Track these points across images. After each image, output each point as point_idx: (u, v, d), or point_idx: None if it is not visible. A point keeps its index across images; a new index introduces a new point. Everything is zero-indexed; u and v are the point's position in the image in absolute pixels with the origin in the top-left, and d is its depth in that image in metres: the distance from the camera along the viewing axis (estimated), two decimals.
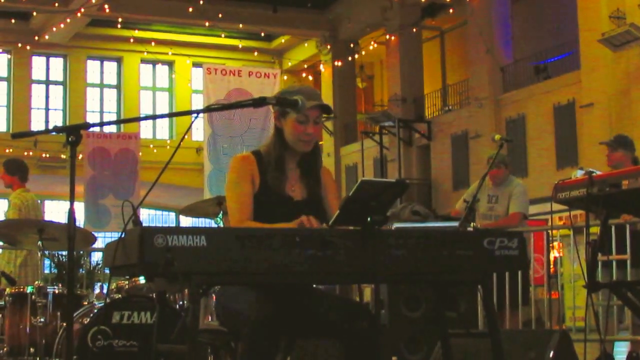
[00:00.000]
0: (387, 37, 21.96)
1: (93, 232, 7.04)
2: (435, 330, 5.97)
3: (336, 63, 23.51)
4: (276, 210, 3.70)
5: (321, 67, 24.51)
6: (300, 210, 3.71)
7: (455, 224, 7.38)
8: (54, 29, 22.57)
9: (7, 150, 23.23)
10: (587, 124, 16.10)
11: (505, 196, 7.83)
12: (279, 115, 3.78)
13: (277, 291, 3.57)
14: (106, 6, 20.67)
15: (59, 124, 21.87)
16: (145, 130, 25.30)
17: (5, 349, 6.19)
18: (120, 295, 6.20)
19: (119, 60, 26.49)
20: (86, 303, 6.56)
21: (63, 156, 22.92)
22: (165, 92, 27.25)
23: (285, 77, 22.49)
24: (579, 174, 4.27)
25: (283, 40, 26.14)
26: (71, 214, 3.24)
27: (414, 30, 21.73)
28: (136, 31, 23.87)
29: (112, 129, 21.49)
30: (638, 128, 14.65)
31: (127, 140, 17.13)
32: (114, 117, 26.08)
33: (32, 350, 6.10)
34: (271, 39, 26.25)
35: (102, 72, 26.66)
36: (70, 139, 3.22)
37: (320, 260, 3.18)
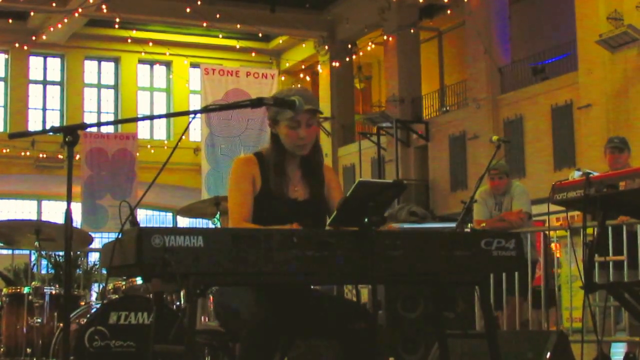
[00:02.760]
0: (385, 37, 21.96)
1: (90, 233, 7.04)
2: (432, 330, 5.98)
3: (334, 64, 23.51)
4: (280, 212, 3.70)
5: (319, 67, 24.51)
6: (303, 211, 3.71)
7: (452, 224, 7.40)
8: (52, 29, 22.56)
9: (4, 151, 23.25)
10: (584, 125, 16.11)
11: (508, 200, 7.90)
12: (272, 123, 3.78)
13: (274, 292, 3.57)
14: (104, 6, 20.66)
15: (57, 124, 21.83)
16: (142, 130, 25.28)
17: (2, 349, 6.19)
18: (117, 296, 6.20)
19: (116, 61, 26.48)
20: (83, 303, 6.56)
21: (60, 156, 22.92)
22: (162, 93, 27.23)
23: (283, 78, 22.49)
24: (576, 175, 4.27)
25: (281, 41, 26.13)
26: (68, 214, 3.24)
27: (412, 31, 21.74)
28: (134, 31, 23.85)
29: (109, 129, 21.47)
30: (635, 129, 14.67)
31: (125, 141, 17.12)
32: (111, 118, 26.06)
33: (29, 350, 6.10)
34: (269, 40, 26.25)
35: (99, 72, 26.63)
36: (67, 139, 3.22)
37: (317, 261, 3.18)
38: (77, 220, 16.12)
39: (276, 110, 3.70)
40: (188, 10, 20.92)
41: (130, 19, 22.81)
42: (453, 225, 7.32)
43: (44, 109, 25.79)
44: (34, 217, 25.28)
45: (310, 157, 3.83)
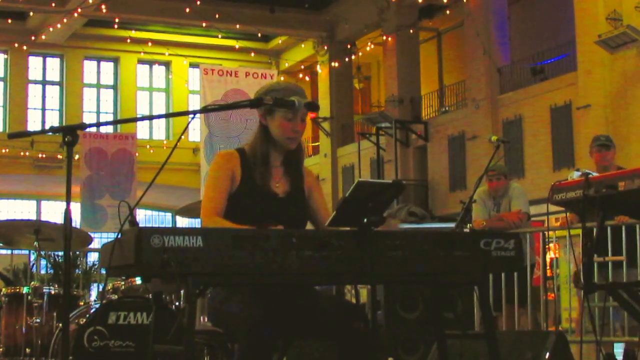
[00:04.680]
0: (384, 38, 21.96)
1: (89, 233, 7.03)
2: (431, 331, 5.98)
3: (333, 64, 23.51)
4: (260, 206, 3.70)
5: (318, 67, 24.51)
6: (283, 206, 3.72)
7: (451, 225, 7.40)
8: (51, 29, 22.55)
9: (3, 151, 23.25)
10: (583, 125, 16.11)
11: (506, 202, 7.90)
12: (265, 113, 3.78)
13: (273, 292, 3.57)
14: (103, 6, 20.65)
15: (56, 124, 21.79)
16: (142, 130, 25.29)
17: (1, 349, 6.19)
18: (116, 296, 6.20)
19: (115, 61, 26.48)
20: (82, 303, 6.56)
21: (59, 156, 22.90)
22: (162, 93, 27.24)
23: (282, 78, 22.45)
24: (575, 175, 4.27)
25: (280, 41, 26.13)
26: (68, 214, 3.24)
27: (411, 31, 21.73)
28: (133, 31, 23.85)
29: (108, 129, 21.39)
30: (634, 129, 14.67)
31: (124, 141, 17.11)
32: (110, 118, 26.06)
33: (28, 350, 6.10)
34: (268, 40, 26.25)
35: (98, 73, 26.63)
36: (67, 139, 3.22)
37: (316, 261, 3.18)
38: (77, 220, 16.12)
39: None
40: (187, 10, 20.92)
41: (130, 19, 22.80)
42: (452, 225, 7.32)
43: (43, 109, 25.79)
44: (33, 217, 25.28)
45: (293, 155, 3.84)
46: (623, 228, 7.02)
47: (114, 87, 26.63)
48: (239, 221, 3.57)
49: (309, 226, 3.86)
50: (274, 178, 3.78)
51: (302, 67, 26.12)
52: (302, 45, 25.73)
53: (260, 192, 3.72)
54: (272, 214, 3.63)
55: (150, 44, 23.91)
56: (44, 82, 25.94)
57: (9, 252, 9.08)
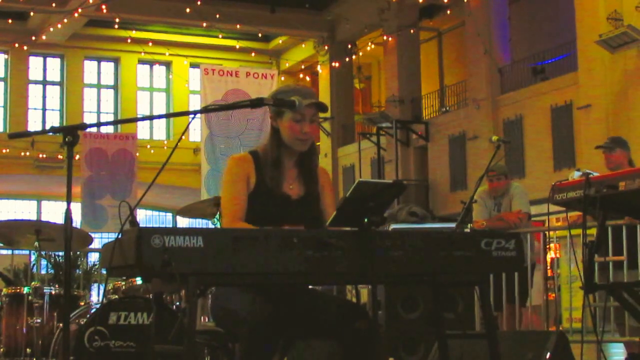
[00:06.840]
0: (385, 38, 21.96)
1: (90, 233, 7.03)
2: (432, 331, 5.98)
3: (334, 64, 23.51)
4: (273, 209, 3.70)
5: (319, 68, 24.51)
6: (296, 209, 3.72)
7: (452, 225, 7.40)
8: (51, 29, 22.55)
9: (4, 151, 23.24)
10: (584, 125, 16.11)
11: (507, 201, 7.90)
12: (275, 115, 3.78)
13: (274, 292, 3.56)
14: (103, 6, 20.65)
15: (56, 124, 21.74)
16: (142, 130, 25.29)
17: (1, 349, 6.19)
18: (117, 296, 6.20)
19: (116, 61, 26.48)
20: (83, 304, 6.56)
21: (60, 156, 22.91)
22: (162, 93, 27.24)
23: (283, 78, 22.48)
24: (576, 175, 4.28)
25: (281, 41, 26.13)
26: (68, 214, 3.24)
27: (412, 31, 21.73)
28: (133, 31, 23.84)
29: (109, 129, 21.46)
30: (635, 129, 14.67)
31: (124, 141, 17.13)
32: (111, 118, 26.05)
33: (28, 350, 6.10)
34: (269, 40, 26.25)
35: (99, 73, 26.63)
36: (67, 139, 3.22)
37: (317, 261, 3.18)
38: (77, 220, 16.13)
39: None
40: (188, 10, 20.92)
41: (130, 19, 22.80)
42: (453, 225, 7.32)
43: (44, 109, 25.79)
44: (33, 217, 25.29)
45: (306, 156, 3.83)
46: (624, 228, 7.02)
47: (115, 87, 26.63)
48: (254, 225, 3.58)
49: None
50: (287, 181, 3.78)
51: (303, 67, 26.13)
52: (303, 45, 25.72)
53: (273, 196, 3.71)
54: (286, 218, 3.63)
55: (150, 44, 23.91)
56: (44, 82, 25.94)
57: (9, 252, 9.09)
